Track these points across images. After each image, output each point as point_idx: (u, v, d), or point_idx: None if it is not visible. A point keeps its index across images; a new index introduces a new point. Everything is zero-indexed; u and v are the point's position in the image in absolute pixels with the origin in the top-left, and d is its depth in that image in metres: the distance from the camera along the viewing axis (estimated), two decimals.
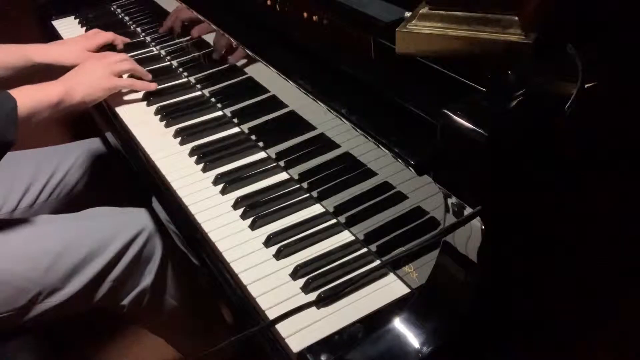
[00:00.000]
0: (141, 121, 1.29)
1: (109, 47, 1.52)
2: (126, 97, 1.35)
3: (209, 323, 1.41)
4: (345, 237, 0.96)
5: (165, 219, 1.19)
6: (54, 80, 1.22)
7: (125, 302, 1.23)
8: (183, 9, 1.37)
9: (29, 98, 1.12)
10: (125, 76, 1.35)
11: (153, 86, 1.34)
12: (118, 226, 1.20)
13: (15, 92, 1.10)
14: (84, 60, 1.41)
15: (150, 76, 1.37)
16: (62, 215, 1.25)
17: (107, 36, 1.50)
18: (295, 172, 1.08)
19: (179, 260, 1.28)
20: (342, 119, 0.85)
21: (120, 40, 1.53)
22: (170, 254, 1.25)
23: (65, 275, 1.14)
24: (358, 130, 0.83)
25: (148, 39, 1.61)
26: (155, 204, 1.18)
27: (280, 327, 0.81)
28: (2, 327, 1.14)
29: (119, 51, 1.51)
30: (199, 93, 1.37)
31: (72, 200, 1.43)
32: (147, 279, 1.23)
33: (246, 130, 1.22)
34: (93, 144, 1.52)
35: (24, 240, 1.16)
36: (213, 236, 0.98)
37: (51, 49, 1.43)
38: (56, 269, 1.13)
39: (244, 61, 1.17)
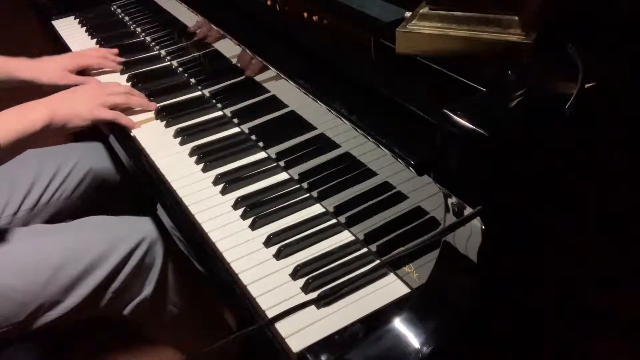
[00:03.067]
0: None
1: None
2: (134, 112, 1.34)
3: (211, 327, 1.41)
4: (345, 237, 0.96)
5: (169, 225, 1.18)
6: (39, 100, 1.19)
7: (126, 312, 1.22)
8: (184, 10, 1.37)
9: (12, 132, 1.10)
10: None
11: (137, 125, 1.27)
12: (118, 237, 1.19)
13: None
14: (64, 82, 1.39)
15: (148, 105, 1.31)
16: (61, 225, 1.24)
17: (91, 61, 1.47)
18: (295, 172, 1.08)
19: (180, 267, 1.27)
20: (342, 119, 0.85)
21: (111, 64, 1.49)
22: (172, 261, 1.25)
23: (66, 288, 1.13)
24: (358, 130, 0.83)
25: (148, 39, 1.61)
26: (160, 210, 1.18)
27: (280, 327, 0.81)
28: (2, 340, 1.13)
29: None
30: (199, 93, 1.37)
31: (73, 204, 1.42)
32: (147, 289, 1.22)
33: (246, 130, 1.22)
34: (94, 146, 1.51)
35: (23, 254, 1.15)
36: (213, 236, 0.98)
37: (32, 65, 1.41)
38: (56, 282, 1.12)
39: (244, 61, 1.17)
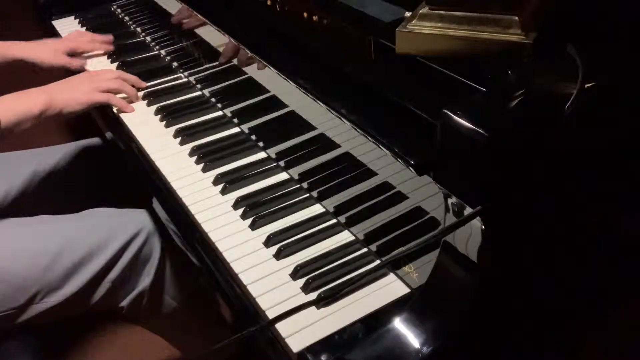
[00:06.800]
0: (141, 121, 1.29)
1: None
2: (126, 97, 1.35)
3: (209, 323, 1.41)
4: (345, 237, 0.96)
5: (165, 218, 1.19)
6: (37, 87, 1.24)
7: (124, 303, 1.23)
8: (184, 10, 1.37)
9: (11, 112, 1.15)
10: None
11: (130, 109, 1.33)
12: (116, 227, 1.20)
13: None
14: (57, 62, 1.46)
15: (137, 97, 1.36)
16: (61, 216, 1.25)
17: (83, 45, 1.53)
18: (295, 172, 1.08)
19: (178, 260, 1.28)
20: (342, 119, 0.85)
21: (100, 47, 1.55)
22: (170, 254, 1.26)
23: (64, 275, 1.14)
24: (358, 130, 0.83)
25: (148, 39, 1.61)
26: (155, 203, 1.18)
27: (280, 327, 0.81)
28: (0, 327, 1.14)
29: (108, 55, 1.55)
30: (199, 93, 1.37)
31: (71, 200, 1.42)
32: (145, 280, 1.23)
33: (246, 130, 1.22)
34: (93, 144, 1.52)
35: (23, 239, 1.16)
36: (213, 236, 0.98)
37: (25, 45, 1.46)
38: (55, 269, 1.13)
39: (244, 61, 1.17)
